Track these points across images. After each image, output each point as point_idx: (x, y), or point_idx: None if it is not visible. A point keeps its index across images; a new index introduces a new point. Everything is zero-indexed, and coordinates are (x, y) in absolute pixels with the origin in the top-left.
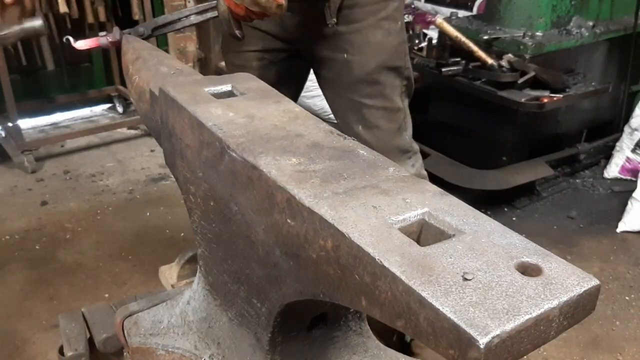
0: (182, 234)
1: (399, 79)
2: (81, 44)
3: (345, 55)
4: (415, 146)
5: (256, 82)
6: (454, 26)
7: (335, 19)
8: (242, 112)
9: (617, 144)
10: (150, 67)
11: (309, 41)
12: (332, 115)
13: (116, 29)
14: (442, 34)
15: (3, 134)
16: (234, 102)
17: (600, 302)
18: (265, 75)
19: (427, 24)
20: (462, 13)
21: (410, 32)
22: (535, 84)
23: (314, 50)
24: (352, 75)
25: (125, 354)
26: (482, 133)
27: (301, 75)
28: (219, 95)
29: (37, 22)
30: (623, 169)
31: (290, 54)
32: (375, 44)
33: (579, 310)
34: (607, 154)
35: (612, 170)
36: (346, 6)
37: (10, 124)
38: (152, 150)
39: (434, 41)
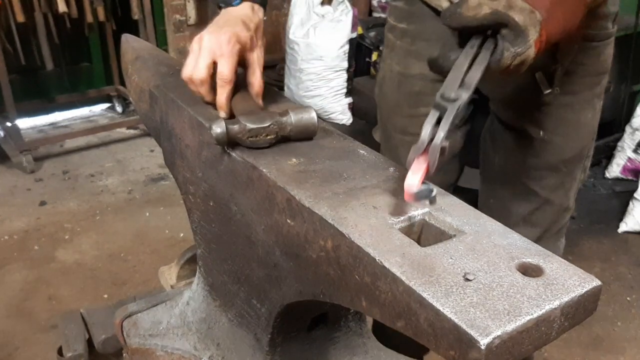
0: (182, 234)
1: (580, 170)
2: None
3: (542, 133)
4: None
5: None
6: None
7: (558, 88)
8: None
9: (619, 144)
10: (150, 67)
11: (501, 103)
12: (332, 115)
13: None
14: None
15: (2, 134)
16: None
17: (601, 302)
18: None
19: None
20: None
21: None
22: None
23: (502, 114)
24: (542, 159)
25: (124, 354)
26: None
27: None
28: None
29: (309, 114)
30: (624, 169)
31: (475, 111)
32: (584, 127)
33: (580, 310)
34: (608, 154)
35: (614, 170)
36: (567, 71)
37: (9, 124)
38: (151, 150)
39: None
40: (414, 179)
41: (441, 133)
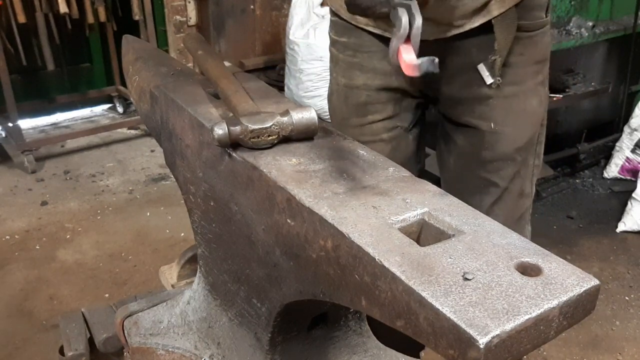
0: (182, 234)
1: (533, 156)
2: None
3: (492, 125)
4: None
5: (256, 82)
6: None
7: (500, 78)
8: None
9: (617, 144)
10: (151, 68)
11: (448, 101)
12: None
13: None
14: None
15: (3, 134)
16: None
17: (600, 302)
18: (400, 147)
19: None
20: None
21: None
22: None
23: (451, 113)
24: (496, 150)
25: (125, 353)
26: None
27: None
28: (218, 96)
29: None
30: (623, 169)
31: (424, 113)
32: (532, 114)
33: (578, 310)
34: (606, 154)
35: (612, 170)
36: (508, 63)
37: (10, 124)
38: (152, 151)
39: None
40: (411, 55)
41: (419, 19)
